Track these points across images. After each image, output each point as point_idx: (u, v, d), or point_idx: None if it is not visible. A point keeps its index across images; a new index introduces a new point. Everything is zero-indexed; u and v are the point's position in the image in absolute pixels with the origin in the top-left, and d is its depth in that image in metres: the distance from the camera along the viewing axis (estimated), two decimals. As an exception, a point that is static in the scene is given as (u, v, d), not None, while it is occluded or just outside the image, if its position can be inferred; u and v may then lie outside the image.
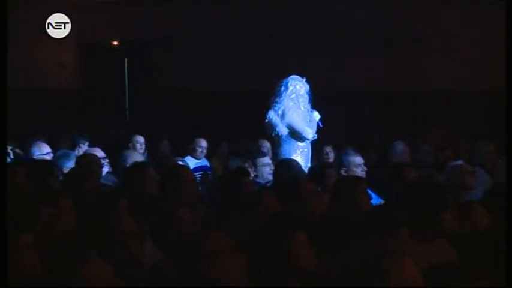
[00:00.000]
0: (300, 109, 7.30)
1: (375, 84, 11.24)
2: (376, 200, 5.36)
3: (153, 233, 3.83)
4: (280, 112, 7.27)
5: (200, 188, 6.08)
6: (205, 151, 8.34)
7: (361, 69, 11.22)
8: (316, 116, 7.36)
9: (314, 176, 5.65)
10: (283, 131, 7.24)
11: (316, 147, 7.70)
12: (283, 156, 7.11)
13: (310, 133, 7.24)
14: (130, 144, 8.29)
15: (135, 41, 12.37)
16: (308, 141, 7.32)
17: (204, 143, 8.31)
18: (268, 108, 7.38)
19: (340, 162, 6.60)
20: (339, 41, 11.22)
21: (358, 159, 6.41)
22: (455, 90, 10.84)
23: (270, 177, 6.38)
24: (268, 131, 7.42)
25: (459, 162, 6.09)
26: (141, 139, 8.43)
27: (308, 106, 7.37)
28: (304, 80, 7.41)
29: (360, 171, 6.27)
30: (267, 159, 6.68)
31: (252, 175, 6.13)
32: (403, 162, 7.19)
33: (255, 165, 6.48)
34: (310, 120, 7.32)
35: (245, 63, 11.64)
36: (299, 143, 7.26)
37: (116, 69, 12.69)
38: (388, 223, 3.57)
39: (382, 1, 11.14)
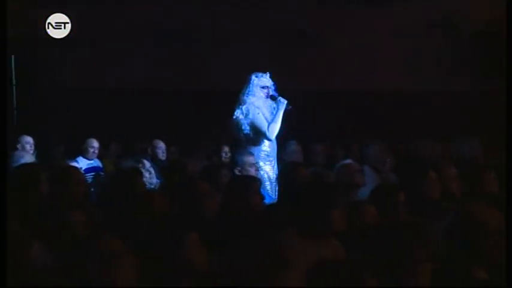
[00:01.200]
0: (264, 102, 7.10)
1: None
2: (269, 200, 5.41)
3: (43, 235, 3.75)
4: (245, 111, 7.08)
5: (92, 189, 5.97)
6: (97, 151, 8.20)
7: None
8: (282, 101, 7.10)
9: (207, 176, 5.64)
10: (248, 129, 7.07)
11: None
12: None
13: (272, 132, 7.03)
14: (18, 145, 8.05)
15: (23, 38, 11.98)
16: (274, 141, 7.11)
17: (95, 143, 8.16)
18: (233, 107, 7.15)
19: (234, 161, 6.63)
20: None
21: (251, 159, 6.46)
22: (349, 90, 11.05)
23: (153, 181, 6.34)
24: (234, 132, 7.17)
25: (348, 161, 6.23)
26: (30, 140, 8.20)
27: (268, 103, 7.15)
28: (268, 75, 7.21)
29: (253, 171, 6.32)
30: (147, 165, 6.41)
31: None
32: (295, 161, 7.30)
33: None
34: (276, 111, 7.07)
35: (138, 61, 11.49)
36: (265, 144, 7.05)
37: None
38: (277, 222, 3.61)
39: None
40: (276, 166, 7.05)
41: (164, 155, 8.23)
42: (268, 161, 7.04)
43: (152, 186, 6.10)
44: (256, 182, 4.83)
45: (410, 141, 8.51)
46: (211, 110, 10.64)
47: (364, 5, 11.02)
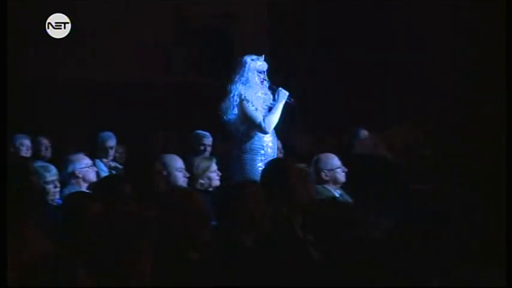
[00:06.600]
0: (258, 94, 6.21)
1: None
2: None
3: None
4: (231, 103, 6.20)
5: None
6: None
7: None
8: (283, 94, 6.28)
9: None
10: (239, 123, 6.22)
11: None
12: (248, 155, 6.14)
13: (269, 125, 6.16)
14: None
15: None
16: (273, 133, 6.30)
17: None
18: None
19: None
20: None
21: None
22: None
23: None
24: (227, 126, 6.29)
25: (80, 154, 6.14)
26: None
27: (266, 88, 6.29)
28: (263, 58, 6.30)
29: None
30: None
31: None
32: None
33: None
34: (276, 102, 6.24)
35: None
36: (265, 137, 6.22)
37: None
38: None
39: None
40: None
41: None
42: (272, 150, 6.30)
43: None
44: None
45: (146, 132, 8.59)
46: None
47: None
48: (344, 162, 5.82)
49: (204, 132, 7.75)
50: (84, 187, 5.62)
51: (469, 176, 5.49)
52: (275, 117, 6.23)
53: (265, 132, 6.19)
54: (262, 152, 6.16)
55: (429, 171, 6.81)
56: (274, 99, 6.30)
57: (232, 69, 6.35)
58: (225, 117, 6.22)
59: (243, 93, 6.19)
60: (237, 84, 6.24)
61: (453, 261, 3.32)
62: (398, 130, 8.04)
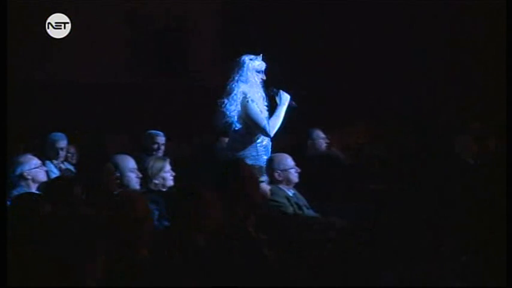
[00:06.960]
0: (258, 90, 6.00)
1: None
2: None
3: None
4: (234, 101, 5.93)
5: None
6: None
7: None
8: (286, 97, 6.11)
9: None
10: (240, 124, 5.97)
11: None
12: (242, 153, 5.88)
13: (273, 128, 5.96)
14: None
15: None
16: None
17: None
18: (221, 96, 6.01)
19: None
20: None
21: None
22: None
23: None
24: (219, 123, 6.03)
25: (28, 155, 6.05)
26: None
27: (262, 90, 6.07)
28: (261, 57, 6.11)
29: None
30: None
31: None
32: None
33: None
34: (278, 105, 6.06)
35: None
36: (261, 146, 5.98)
37: None
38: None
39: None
40: None
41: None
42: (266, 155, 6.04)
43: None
44: None
45: (94, 132, 8.51)
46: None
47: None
48: (297, 163, 5.83)
49: (157, 132, 7.72)
50: (34, 188, 5.51)
51: (421, 176, 5.55)
52: (279, 121, 6.06)
53: (269, 136, 6.02)
54: (255, 160, 5.95)
55: (381, 171, 6.87)
56: (268, 100, 6.13)
57: (230, 68, 6.14)
58: (228, 113, 5.96)
59: (246, 91, 6.00)
60: (239, 83, 6.02)
61: (406, 259, 3.35)
62: (352, 130, 8.12)
